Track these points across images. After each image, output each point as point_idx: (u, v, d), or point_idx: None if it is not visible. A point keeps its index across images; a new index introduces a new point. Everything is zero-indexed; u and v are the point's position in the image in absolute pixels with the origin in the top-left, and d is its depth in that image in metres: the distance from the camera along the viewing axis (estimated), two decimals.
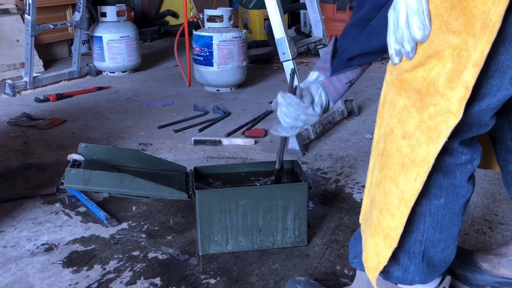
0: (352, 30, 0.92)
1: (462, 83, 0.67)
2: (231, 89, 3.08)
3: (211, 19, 2.93)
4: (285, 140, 1.24)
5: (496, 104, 0.72)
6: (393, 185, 0.79)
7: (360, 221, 0.96)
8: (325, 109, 1.05)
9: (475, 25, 0.64)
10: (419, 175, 0.75)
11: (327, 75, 1.01)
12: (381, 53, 0.91)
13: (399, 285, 0.92)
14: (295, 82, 1.14)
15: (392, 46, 0.74)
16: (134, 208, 1.57)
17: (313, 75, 1.05)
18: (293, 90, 1.05)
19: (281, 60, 2.04)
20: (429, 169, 0.74)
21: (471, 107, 0.72)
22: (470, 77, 0.66)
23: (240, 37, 2.93)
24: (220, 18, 2.91)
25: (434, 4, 0.67)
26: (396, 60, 0.75)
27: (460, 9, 0.64)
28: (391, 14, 0.72)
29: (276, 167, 1.30)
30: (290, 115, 1.04)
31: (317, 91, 1.03)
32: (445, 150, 0.79)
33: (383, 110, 0.83)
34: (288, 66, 2.03)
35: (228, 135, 2.24)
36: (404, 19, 0.69)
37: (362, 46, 0.92)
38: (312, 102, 1.02)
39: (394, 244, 0.81)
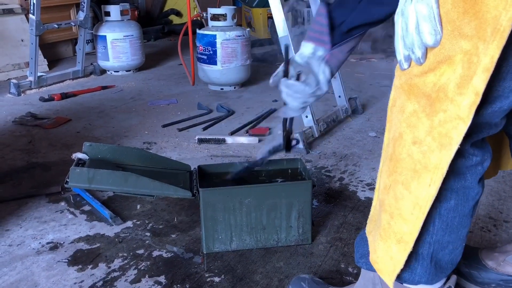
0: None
1: (472, 89, 0.66)
2: (234, 87, 3.08)
3: (215, 17, 2.93)
4: (292, 118, 1.14)
5: (508, 106, 0.71)
6: (405, 190, 0.79)
7: (368, 221, 0.95)
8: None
9: (486, 30, 0.63)
10: (433, 181, 0.74)
11: (326, 48, 0.94)
12: (383, 21, 0.86)
13: (404, 284, 0.92)
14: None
15: (401, 52, 0.73)
16: (138, 206, 1.57)
17: (308, 47, 0.96)
18: (287, 65, 0.97)
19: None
20: (443, 175, 0.73)
21: (483, 109, 0.71)
22: (480, 82, 0.65)
23: (243, 35, 2.93)
24: (223, 16, 2.91)
25: (445, 9, 0.66)
26: (405, 65, 0.74)
27: (473, 13, 0.64)
28: (398, 20, 0.71)
29: (282, 132, 1.17)
30: (298, 100, 0.99)
31: (319, 68, 0.96)
32: (457, 153, 0.79)
33: (391, 114, 0.83)
34: None
35: (232, 133, 2.24)
36: (413, 25, 0.68)
37: (363, 17, 0.87)
38: (318, 82, 0.96)
39: (408, 248, 0.81)
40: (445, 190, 0.82)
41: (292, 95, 0.98)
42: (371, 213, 0.94)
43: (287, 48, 1.01)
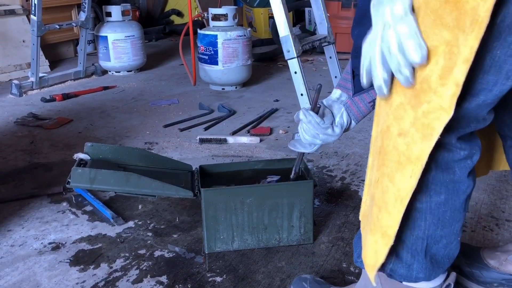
0: None
1: (453, 80, 0.66)
2: (236, 87, 3.08)
3: (216, 17, 2.93)
4: (302, 154, 1.24)
5: (492, 99, 0.72)
6: (390, 182, 0.79)
7: (360, 218, 0.96)
8: (346, 129, 1.05)
9: (465, 21, 0.63)
10: (414, 172, 0.75)
11: (349, 95, 1.02)
12: None
13: (404, 282, 0.92)
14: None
15: (380, 76, 0.72)
16: (140, 206, 1.58)
17: (336, 92, 1.05)
18: (316, 107, 1.04)
19: (286, 58, 2.03)
20: (423, 166, 0.73)
21: (467, 103, 0.72)
22: (460, 73, 0.65)
23: (244, 35, 2.93)
24: (224, 16, 2.91)
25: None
26: (385, 90, 0.73)
27: (454, 3, 0.64)
28: (375, 47, 0.70)
29: (291, 176, 1.30)
30: (309, 132, 1.04)
31: (338, 111, 1.03)
32: (443, 146, 0.79)
33: (379, 108, 0.83)
34: (293, 64, 2.03)
35: (234, 133, 2.24)
36: (396, 46, 0.68)
37: None
38: (332, 123, 1.03)
39: (390, 242, 0.81)
40: (435, 184, 0.82)
41: (306, 125, 1.04)
42: (362, 209, 0.94)
43: (319, 88, 1.06)
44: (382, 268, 0.90)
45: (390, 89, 0.74)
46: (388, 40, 0.68)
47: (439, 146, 0.72)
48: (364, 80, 0.77)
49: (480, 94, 0.71)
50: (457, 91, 0.66)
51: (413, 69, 0.70)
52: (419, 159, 0.73)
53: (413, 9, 0.67)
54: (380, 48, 0.70)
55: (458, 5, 0.64)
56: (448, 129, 0.69)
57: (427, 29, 0.67)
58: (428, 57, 0.68)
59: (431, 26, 0.67)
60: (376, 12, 0.70)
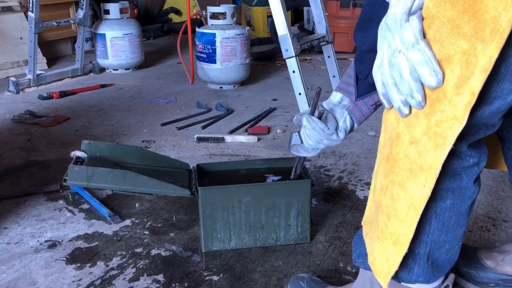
0: (368, 55, 0.91)
1: (469, 89, 0.66)
2: (234, 86, 3.08)
3: (214, 16, 2.93)
4: (303, 158, 1.24)
5: (506, 107, 0.72)
6: (402, 190, 0.79)
7: (363, 223, 0.95)
8: (349, 132, 1.06)
9: (485, 30, 0.63)
10: (427, 181, 0.74)
11: (352, 99, 1.02)
12: None
13: (402, 283, 0.92)
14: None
15: (397, 99, 0.72)
16: (137, 205, 1.57)
17: (336, 96, 1.04)
18: (317, 111, 1.03)
19: (284, 57, 2.03)
20: (437, 175, 0.73)
21: (481, 110, 0.71)
22: (477, 82, 0.65)
23: (243, 34, 2.93)
24: (223, 15, 2.91)
25: (442, 8, 0.66)
26: (406, 110, 0.73)
27: (472, 13, 0.64)
28: (385, 72, 0.71)
29: (291, 177, 1.29)
30: (313, 138, 1.05)
31: (342, 116, 1.03)
32: (453, 154, 0.79)
33: (387, 114, 0.83)
34: (291, 63, 2.02)
35: (231, 132, 2.24)
36: (407, 72, 0.68)
37: None
38: (337, 128, 1.03)
39: (404, 249, 0.81)
40: (441, 190, 0.82)
41: (310, 132, 1.04)
42: (366, 215, 0.94)
43: (319, 92, 1.06)
44: None
45: (410, 109, 0.74)
46: (399, 65, 0.68)
47: (450, 153, 0.71)
48: (387, 106, 0.77)
49: (494, 102, 0.70)
50: (472, 100, 0.66)
51: (424, 93, 0.70)
52: (432, 168, 0.73)
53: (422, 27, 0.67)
54: (389, 72, 0.70)
55: (477, 14, 0.63)
56: (460, 137, 0.69)
57: (443, 38, 0.67)
58: (443, 69, 0.68)
59: (447, 35, 0.66)
60: (383, 38, 0.70)
